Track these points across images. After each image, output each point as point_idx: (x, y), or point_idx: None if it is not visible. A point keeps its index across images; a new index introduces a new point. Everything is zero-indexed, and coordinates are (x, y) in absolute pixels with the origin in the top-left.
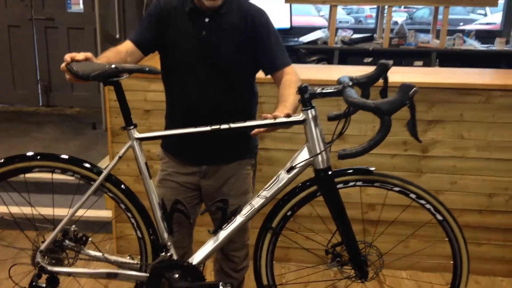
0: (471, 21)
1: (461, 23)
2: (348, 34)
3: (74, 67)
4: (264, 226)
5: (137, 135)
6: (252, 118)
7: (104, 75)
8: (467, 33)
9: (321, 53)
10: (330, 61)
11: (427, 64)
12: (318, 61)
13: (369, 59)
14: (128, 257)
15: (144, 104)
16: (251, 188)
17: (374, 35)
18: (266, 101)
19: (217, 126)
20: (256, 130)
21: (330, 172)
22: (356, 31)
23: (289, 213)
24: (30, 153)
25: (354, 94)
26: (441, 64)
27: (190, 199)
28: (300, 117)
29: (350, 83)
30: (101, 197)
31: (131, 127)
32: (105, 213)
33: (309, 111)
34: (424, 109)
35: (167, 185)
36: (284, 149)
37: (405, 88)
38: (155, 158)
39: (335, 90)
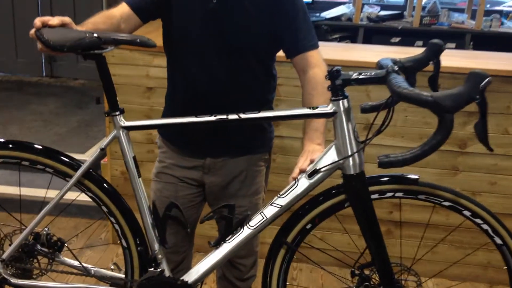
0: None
1: (499, 4)
2: (375, 11)
3: (45, 34)
4: (277, 240)
5: (124, 123)
6: (268, 106)
7: (83, 46)
8: (505, 15)
9: (345, 31)
10: (353, 40)
11: (460, 46)
12: (340, 39)
13: (397, 39)
14: (113, 266)
15: (147, 81)
16: (263, 188)
17: (404, 13)
18: (284, 83)
19: (224, 116)
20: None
21: (363, 180)
22: (383, 7)
23: (308, 226)
24: None
25: (403, 82)
26: (475, 48)
27: (192, 197)
28: (329, 108)
29: (395, 68)
30: None
31: (117, 112)
32: None
33: (340, 101)
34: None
35: (165, 180)
36: (301, 138)
37: (475, 77)
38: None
39: (376, 76)
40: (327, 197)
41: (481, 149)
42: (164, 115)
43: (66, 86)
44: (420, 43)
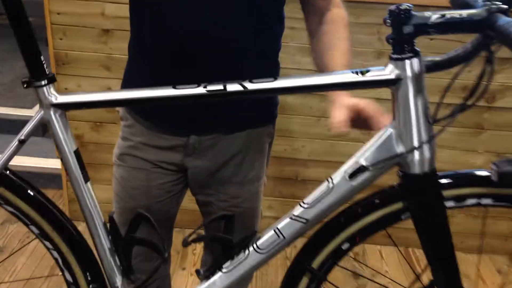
0: None
1: None
2: None
3: None
4: (298, 264)
5: (56, 98)
6: (274, 61)
7: None
8: None
9: None
10: None
11: None
12: None
13: None
14: None
15: (102, 21)
16: (264, 171)
17: None
18: None
19: (219, 87)
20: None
21: (435, 181)
22: None
23: (345, 246)
24: None
25: None
26: None
27: (169, 186)
28: (388, 72)
29: (499, 3)
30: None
31: (42, 82)
32: (56, 163)
33: (408, 62)
34: None
35: (132, 164)
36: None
37: None
38: None
39: (471, 18)
40: (374, 206)
41: (511, 103)
42: (128, 78)
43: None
44: None
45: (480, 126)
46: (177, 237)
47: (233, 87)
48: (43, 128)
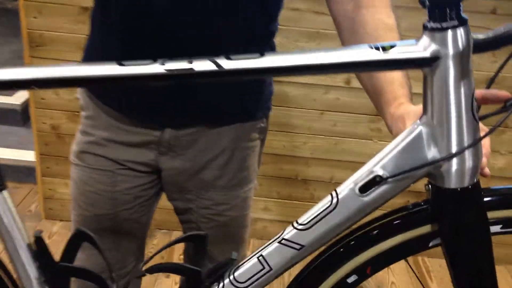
0: None
1: None
2: None
3: None
4: None
5: None
6: (271, 43)
7: None
8: None
9: None
10: None
11: None
12: None
13: None
14: None
15: None
16: (255, 173)
17: None
18: None
19: (183, 65)
20: None
21: (479, 199)
22: None
23: (351, 279)
24: None
25: None
26: None
27: (139, 191)
28: (422, 48)
29: None
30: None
31: None
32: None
33: (449, 33)
34: None
35: (93, 164)
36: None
37: None
38: None
39: None
40: (393, 229)
41: None
42: (88, 56)
43: (3, 8)
44: None
45: (503, 124)
46: (164, 240)
47: (202, 65)
48: (23, 118)
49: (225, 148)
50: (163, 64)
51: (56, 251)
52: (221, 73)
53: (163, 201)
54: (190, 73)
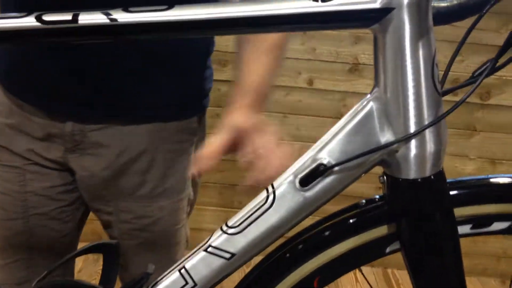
0: None
1: None
2: None
3: None
4: None
5: None
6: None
7: None
8: None
9: None
10: None
11: None
12: None
13: None
14: None
15: None
16: (189, 181)
17: None
18: None
19: (61, 16)
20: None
21: (444, 191)
22: None
23: None
24: None
25: None
26: None
27: (55, 193)
28: None
29: None
30: None
31: None
32: None
33: None
34: (494, 26)
35: None
36: None
37: None
38: None
39: None
40: (341, 232)
41: (509, 100)
42: None
43: None
44: None
45: (471, 127)
46: None
47: (90, 18)
48: None
49: (144, 150)
50: (39, 17)
51: None
52: (114, 28)
53: None
54: (73, 28)
